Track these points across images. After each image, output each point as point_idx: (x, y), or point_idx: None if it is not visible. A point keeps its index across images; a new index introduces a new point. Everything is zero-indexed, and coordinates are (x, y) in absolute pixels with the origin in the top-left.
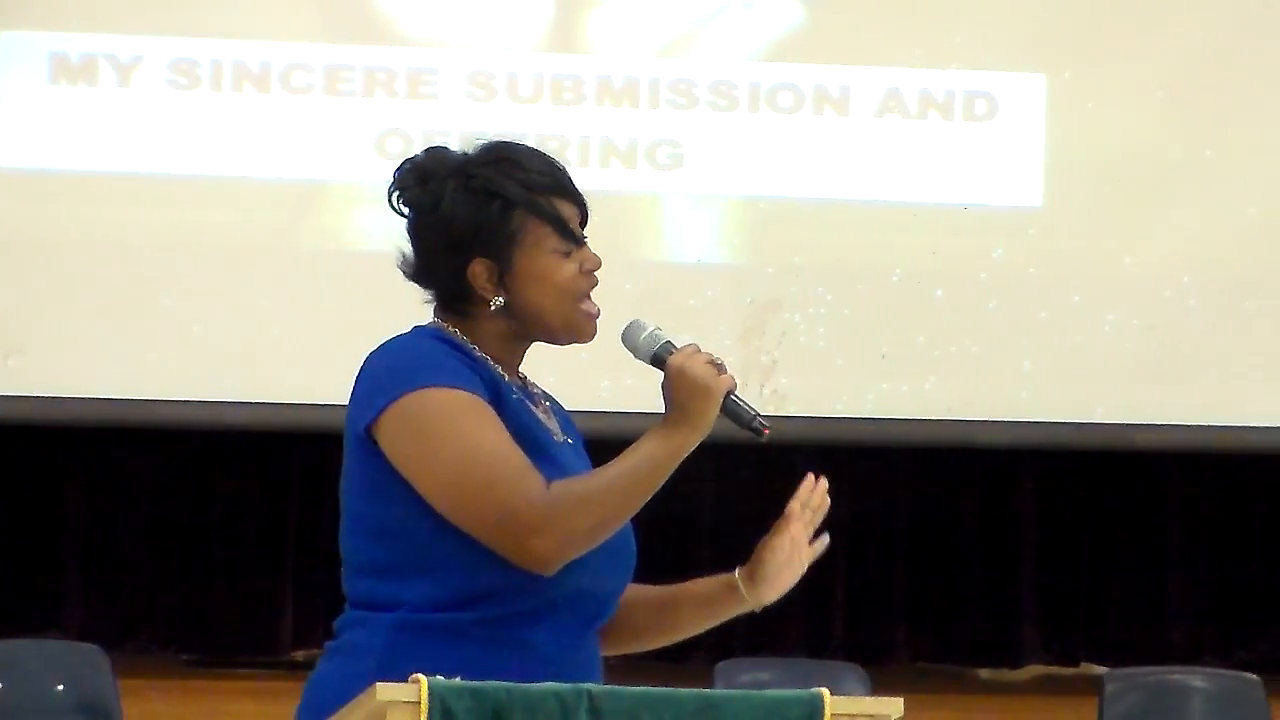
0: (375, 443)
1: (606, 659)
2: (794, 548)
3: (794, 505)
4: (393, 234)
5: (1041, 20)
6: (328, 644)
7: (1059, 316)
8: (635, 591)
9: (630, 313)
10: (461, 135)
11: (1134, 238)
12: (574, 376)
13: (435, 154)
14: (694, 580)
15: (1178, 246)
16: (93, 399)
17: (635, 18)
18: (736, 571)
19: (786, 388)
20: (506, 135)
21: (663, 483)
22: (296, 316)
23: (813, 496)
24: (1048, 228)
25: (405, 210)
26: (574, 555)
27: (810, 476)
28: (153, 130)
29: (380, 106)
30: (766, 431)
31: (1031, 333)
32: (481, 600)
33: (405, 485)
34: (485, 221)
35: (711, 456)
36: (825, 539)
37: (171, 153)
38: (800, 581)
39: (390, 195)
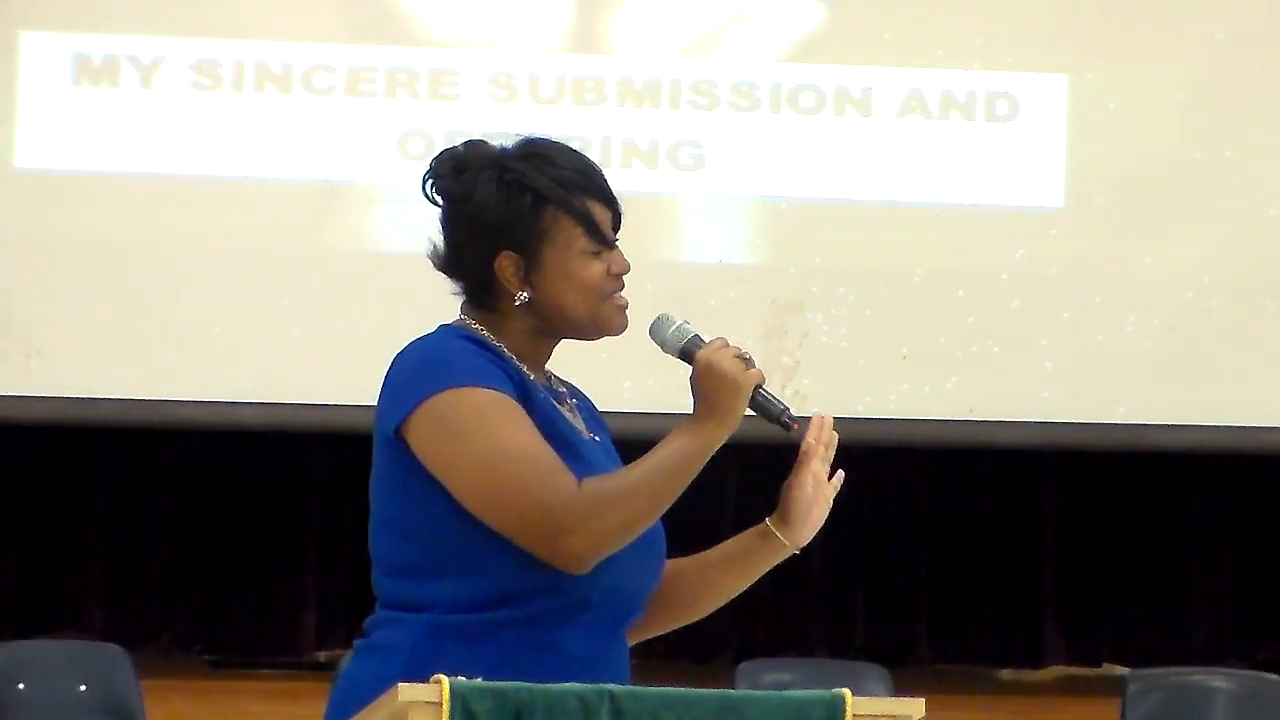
0: (405, 443)
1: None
2: (817, 483)
3: (809, 441)
4: (414, 235)
5: (1063, 21)
6: (357, 642)
7: (1080, 317)
8: (669, 566)
9: (651, 313)
10: (483, 136)
11: (1155, 238)
12: (596, 377)
13: (474, 146)
14: (724, 542)
15: (1199, 247)
16: (114, 400)
17: (657, 18)
18: (767, 520)
19: (808, 388)
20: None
21: (694, 477)
22: (318, 317)
23: (823, 433)
24: (1069, 228)
25: (438, 199)
26: (608, 552)
27: (818, 415)
28: (175, 131)
29: (402, 107)
30: (795, 426)
31: (1053, 333)
32: (512, 600)
33: (435, 485)
34: (516, 215)
35: (735, 456)
36: (841, 475)
37: (193, 154)
38: (822, 581)
39: (424, 183)
